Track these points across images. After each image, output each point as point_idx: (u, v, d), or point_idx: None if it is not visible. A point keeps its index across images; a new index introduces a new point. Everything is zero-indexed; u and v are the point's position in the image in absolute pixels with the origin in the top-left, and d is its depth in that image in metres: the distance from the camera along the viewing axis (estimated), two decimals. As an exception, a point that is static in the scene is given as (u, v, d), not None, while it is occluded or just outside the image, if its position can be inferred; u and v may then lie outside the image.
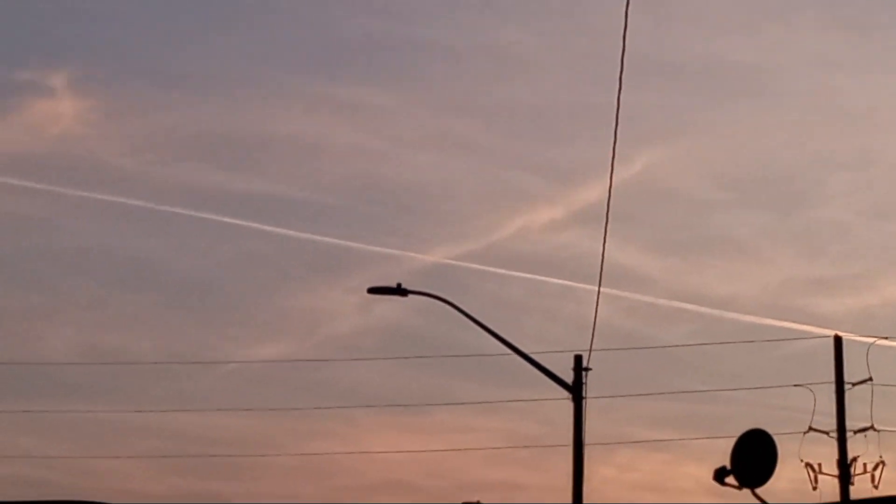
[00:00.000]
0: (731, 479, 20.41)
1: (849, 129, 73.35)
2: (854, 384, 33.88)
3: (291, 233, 66.54)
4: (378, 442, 66.32)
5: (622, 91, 19.81)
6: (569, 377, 30.14)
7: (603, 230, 24.99)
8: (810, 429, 33.74)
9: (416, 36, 76.64)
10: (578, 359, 30.43)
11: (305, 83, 77.36)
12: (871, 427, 33.61)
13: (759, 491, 20.35)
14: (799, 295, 68.88)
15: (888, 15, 69.39)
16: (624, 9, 17.86)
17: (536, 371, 29.77)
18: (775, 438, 20.67)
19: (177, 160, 74.91)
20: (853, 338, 34.57)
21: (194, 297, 72.41)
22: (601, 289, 27.51)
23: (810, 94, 74.29)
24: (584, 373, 30.28)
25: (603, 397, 35.11)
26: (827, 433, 33.87)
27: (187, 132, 75.68)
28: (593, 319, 28.86)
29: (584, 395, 30.12)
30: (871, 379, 33.64)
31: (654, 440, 59.64)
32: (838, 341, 34.33)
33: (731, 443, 20.70)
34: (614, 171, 22.75)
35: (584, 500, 29.82)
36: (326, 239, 66.24)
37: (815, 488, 33.44)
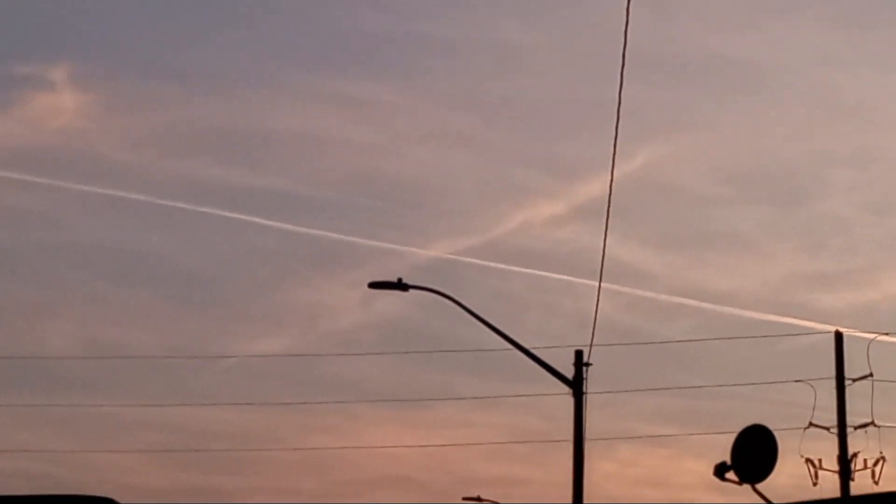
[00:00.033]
0: (731, 475, 20.42)
1: (849, 126, 73.37)
2: (855, 380, 33.89)
3: (292, 227, 66.59)
4: (378, 437, 66.37)
5: (623, 86, 19.83)
6: (569, 372, 30.15)
7: (604, 225, 25.01)
8: (811, 424, 33.75)
9: (418, 31, 76.68)
10: (579, 354, 30.43)
11: (307, 78, 77.41)
12: (872, 423, 33.62)
13: (759, 486, 20.37)
14: (800, 290, 68.90)
15: (889, 12, 69.39)
16: (625, 5, 17.88)
17: (537, 366, 29.78)
18: (776, 434, 20.69)
19: (178, 155, 74.95)
20: (854, 333, 34.60)
21: (195, 291, 72.46)
22: (602, 284, 27.54)
23: (811, 91, 74.30)
24: (584, 368, 30.28)
25: (604, 392, 35.16)
26: (827, 429, 33.88)
27: (188, 127, 75.72)
28: (594, 314, 28.89)
29: (584, 390, 30.12)
30: (871, 375, 33.66)
31: (655, 435, 59.62)
32: (839, 337, 34.34)
33: (732, 438, 20.71)
34: (615, 167, 22.78)
35: (585, 496, 29.84)
36: (327, 234, 66.29)
37: (815, 484, 33.46)
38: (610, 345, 35.13)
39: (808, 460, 33.55)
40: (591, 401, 30.31)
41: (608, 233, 25.26)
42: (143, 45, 78.00)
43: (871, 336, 33.77)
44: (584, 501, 29.80)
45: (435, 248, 67.24)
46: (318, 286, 72.05)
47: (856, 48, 74.10)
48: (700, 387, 54.26)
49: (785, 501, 20.60)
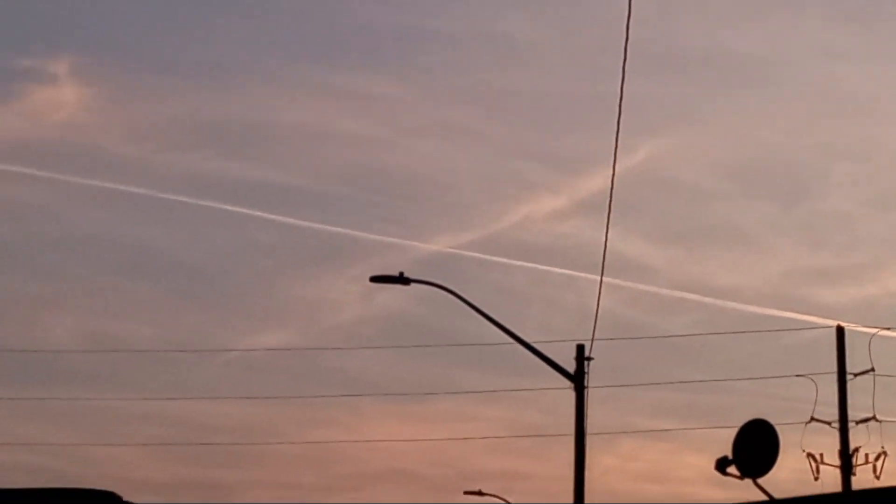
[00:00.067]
0: (732, 469, 20.42)
1: (852, 120, 73.33)
2: (856, 374, 33.90)
3: (294, 221, 66.58)
4: (380, 430, 66.42)
5: (625, 81, 19.80)
6: (571, 366, 30.14)
7: (605, 220, 24.99)
8: (812, 419, 33.76)
9: (420, 25, 76.63)
10: (581, 348, 30.42)
11: (308, 72, 77.36)
12: (873, 417, 33.64)
13: (760, 481, 20.36)
14: (801, 285, 68.91)
15: (891, 6, 69.30)
16: (627, -2, 17.84)
17: (538, 360, 29.77)
18: (777, 428, 20.68)
19: (179, 148, 74.95)
20: (855, 328, 34.61)
21: (196, 284, 72.48)
22: (603, 278, 27.52)
23: (814, 85, 74.26)
24: (586, 362, 30.28)
25: (605, 387, 35.19)
26: (829, 423, 33.90)
27: (190, 120, 75.71)
28: (595, 309, 28.87)
29: (586, 384, 30.12)
30: (873, 369, 33.67)
31: (656, 430, 59.73)
32: (840, 331, 34.34)
33: (733, 433, 20.70)
34: (617, 161, 22.75)
35: (586, 490, 29.85)
36: (329, 227, 66.30)
37: (816, 478, 33.48)
38: (611, 339, 35.16)
39: (810, 455, 33.58)
40: (592, 395, 30.33)
41: (610, 227, 25.25)
42: (145, 38, 78.02)
43: (873, 331, 33.80)
44: (586, 495, 29.82)
45: (436, 241, 67.24)
46: (319, 280, 72.09)
47: (858, 42, 74.10)
48: (701, 381, 54.22)
49: (786, 496, 20.55)
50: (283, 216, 68.34)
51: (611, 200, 24.13)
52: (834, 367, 34.05)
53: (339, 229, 65.72)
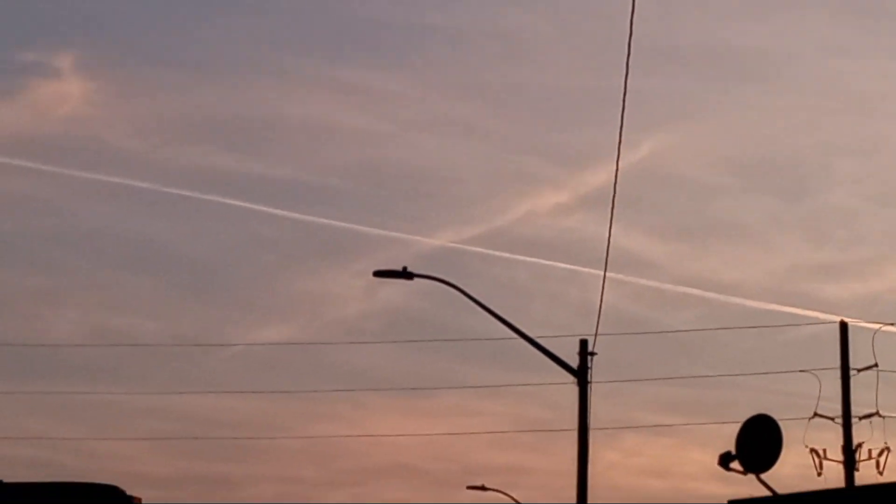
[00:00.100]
0: (736, 465, 20.44)
1: (856, 116, 73.30)
2: (859, 370, 33.86)
3: (297, 216, 66.61)
4: (383, 425, 66.46)
5: (629, 76, 19.80)
6: (574, 361, 30.13)
7: (609, 215, 25.00)
8: (815, 414, 33.71)
9: (424, 19, 76.61)
10: (584, 343, 30.41)
11: (313, 67, 77.36)
12: (877, 413, 33.58)
13: (763, 476, 20.38)
14: (804, 280, 68.89)
15: (895, 2, 69.25)
16: (631, -7, 17.82)
17: (542, 355, 29.76)
18: (780, 424, 20.70)
19: (183, 143, 74.97)
20: (859, 323, 34.56)
21: (200, 279, 72.52)
22: (607, 273, 27.53)
23: (817, 81, 74.22)
24: (589, 357, 30.26)
25: (608, 382, 35.19)
26: (832, 419, 33.86)
27: (194, 115, 75.72)
28: (599, 304, 28.89)
29: (589, 379, 30.11)
30: (876, 365, 33.62)
31: (660, 425, 59.72)
32: (844, 327, 34.30)
33: (737, 428, 20.73)
34: (621, 156, 22.75)
35: (589, 485, 29.85)
36: (332, 222, 66.31)
37: (819, 474, 33.41)
38: (615, 334, 35.14)
39: (813, 450, 33.50)
40: (595, 390, 30.32)
41: (613, 222, 25.27)
42: (149, 33, 78.04)
43: (876, 326, 33.73)
44: (589, 490, 29.82)
45: (440, 236, 67.27)
46: (322, 275, 72.11)
47: (862, 38, 74.04)
48: (705, 376, 54.32)
49: (789, 491, 20.58)
50: (286, 211, 68.38)
51: (614, 195, 24.15)
52: (837, 362, 34.02)
53: (342, 224, 65.79)
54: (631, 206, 63.59)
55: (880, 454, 33.38)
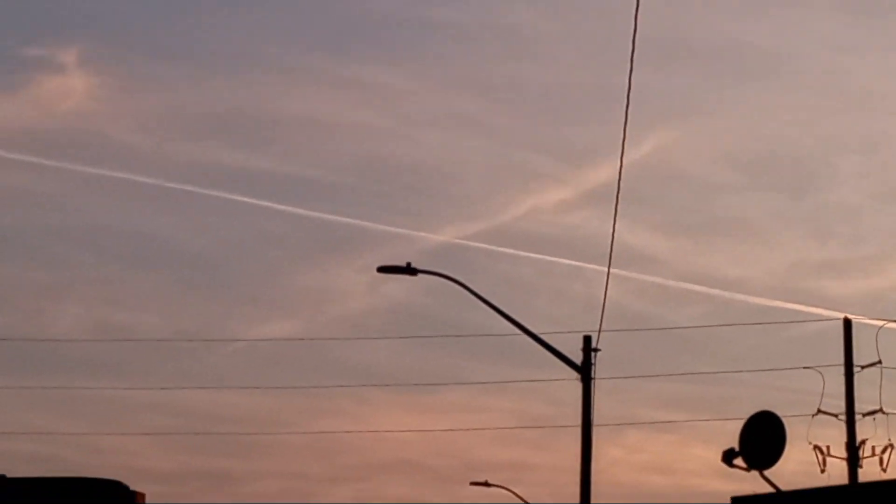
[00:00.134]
0: (739, 461, 20.43)
1: (860, 113, 73.24)
2: (863, 367, 33.85)
3: (301, 211, 66.58)
4: (387, 421, 66.54)
5: (633, 72, 19.77)
6: (578, 358, 30.12)
7: (613, 211, 24.99)
8: (819, 411, 33.70)
9: (428, 15, 76.56)
10: (587, 339, 30.40)
11: (317, 62, 77.33)
12: (880, 410, 33.57)
13: (767, 473, 20.36)
14: (808, 277, 68.85)
15: (900, -3, 69.15)
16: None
17: (545, 351, 29.75)
18: (784, 420, 20.68)
19: (187, 138, 74.95)
20: (862, 320, 34.54)
21: (204, 274, 72.53)
22: (611, 270, 27.52)
23: (822, 77, 74.14)
24: (593, 353, 30.26)
25: (612, 378, 35.13)
26: (836, 416, 33.84)
27: (198, 110, 75.71)
28: (603, 300, 28.88)
29: (592, 375, 30.10)
30: (880, 362, 33.61)
31: (663, 421, 59.75)
32: (847, 324, 34.29)
33: (740, 424, 20.71)
34: (625, 152, 22.73)
35: (593, 481, 29.84)
36: (336, 218, 66.28)
37: (823, 471, 33.39)
38: (618, 330, 35.10)
39: (817, 447, 33.49)
40: (599, 386, 30.31)
41: (617, 218, 25.26)
42: (153, 28, 77.99)
43: (880, 323, 33.72)
44: (592, 487, 29.82)
45: (444, 232, 67.25)
46: (326, 270, 72.11)
47: (865, 34, 73.95)
48: (708, 373, 54.28)
49: (793, 488, 20.54)
50: (290, 206, 68.37)
51: (618, 192, 24.13)
52: (841, 359, 34.00)
53: (346, 220, 65.76)
54: (635, 202, 63.62)
55: (884, 451, 33.36)
